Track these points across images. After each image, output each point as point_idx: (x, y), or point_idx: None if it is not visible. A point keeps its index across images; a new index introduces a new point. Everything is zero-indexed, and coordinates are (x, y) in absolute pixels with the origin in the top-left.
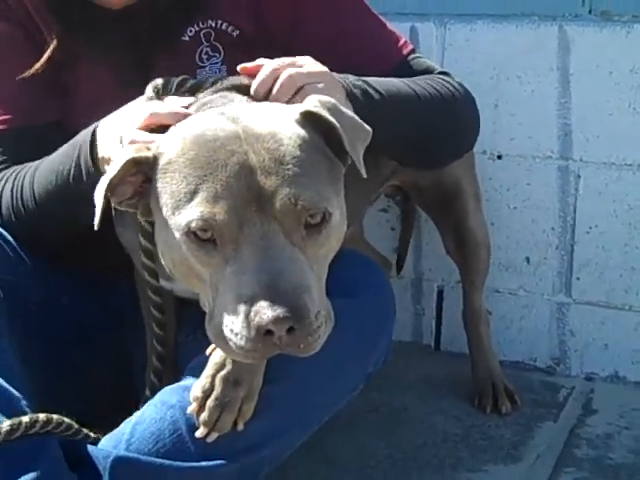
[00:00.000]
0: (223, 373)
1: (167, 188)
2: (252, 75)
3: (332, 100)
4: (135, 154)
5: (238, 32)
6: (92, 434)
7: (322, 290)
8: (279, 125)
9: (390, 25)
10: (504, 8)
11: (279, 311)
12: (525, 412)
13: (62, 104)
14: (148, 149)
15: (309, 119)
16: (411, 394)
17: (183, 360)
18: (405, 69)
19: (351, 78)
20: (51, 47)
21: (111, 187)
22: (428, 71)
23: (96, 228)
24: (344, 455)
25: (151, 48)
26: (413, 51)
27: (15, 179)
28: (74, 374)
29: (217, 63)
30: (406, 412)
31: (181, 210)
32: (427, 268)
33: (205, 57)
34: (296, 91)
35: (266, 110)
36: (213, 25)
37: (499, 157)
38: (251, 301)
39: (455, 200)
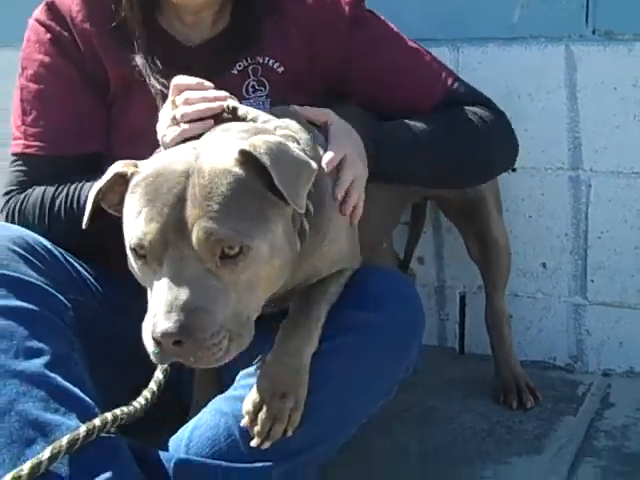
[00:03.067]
0: (271, 387)
1: (128, 204)
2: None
3: (277, 139)
4: (120, 169)
5: (284, 69)
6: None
7: (238, 313)
8: (220, 162)
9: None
10: (513, 31)
11: (168, 326)
12: (547, 407)
13: (104, 136)
14: (135, 166)
15: (249, 158)
16: (440, 395)
17: (228, 369)
18: (451, 98)
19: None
20: (112, 84)
21: (101, 194)
22: (472, 97)
23: (84, 227)
24: (379, 452)
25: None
26: (456, 79)
27: (63, 193)
28: (129, 389)
29: (262, 97)
30: (436, 411)
31: (129, 226)
32: (449, 276)
33: (251, 90)
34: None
35: (219, 146)
36: (261, 61)
37: (514, 170)
38: (155, 314)
39: (479, 209)
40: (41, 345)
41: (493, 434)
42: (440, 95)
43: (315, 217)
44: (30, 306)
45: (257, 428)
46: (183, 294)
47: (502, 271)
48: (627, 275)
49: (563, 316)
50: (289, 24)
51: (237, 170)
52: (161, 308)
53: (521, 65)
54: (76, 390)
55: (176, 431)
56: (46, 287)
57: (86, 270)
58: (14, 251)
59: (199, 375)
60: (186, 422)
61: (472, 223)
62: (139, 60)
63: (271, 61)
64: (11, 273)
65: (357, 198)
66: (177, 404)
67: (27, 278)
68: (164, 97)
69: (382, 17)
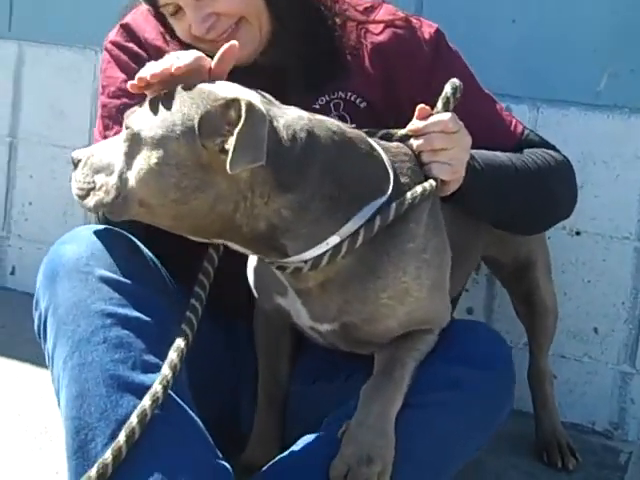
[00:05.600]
0: (357, 453)
1: None
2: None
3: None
4: None
5: (366, 104)
6: None
7: (120, 186)
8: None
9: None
10: (596, 98)
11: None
12: (591, 472)
13: None
14: None
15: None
16: (485, 449)
17: (299, 409)
18: (524, 145)
19: None
20: None
21: None
22: (544, 144)
23: None
24: None
25: None
26: (525, 128)
27: None
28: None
29: None
30: (482, 465)
31: None
32: (497, 329)
33: None
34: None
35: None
36: (343, 96)
37: (578, 233)
38: None
39: (528, 271)
40: (157, 360)
41: None
42: (515, 141)
43: (369, 252)
44: (148, 318)
45: None
46: (98, 149)
47: (548, 333)
48: None
49: (608, 382)
50: (369, 56)
51: (209, 94)
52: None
53: (601, 132)
54: (188, 410)
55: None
56: (161, 300)
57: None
58: (132, 260)
59: (261, 412)
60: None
61: (521, 285)
62: None
63: (353, 96)
64: (129, 282)
65: (445, 162)
66: (236, 433)
67: (144, 289)
68: None
69: (461, 55)
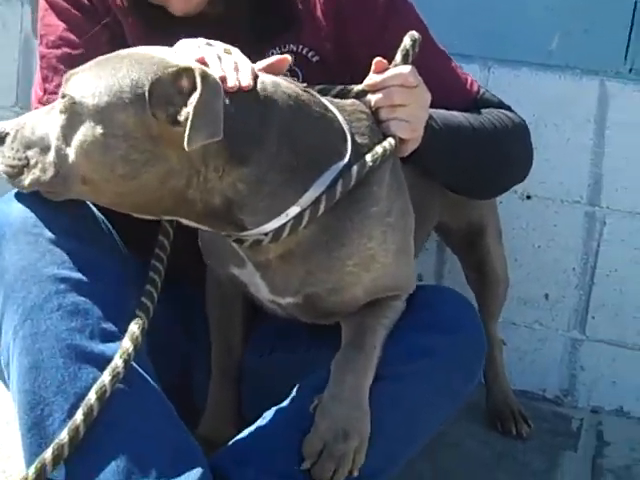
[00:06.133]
0: (333, 428)
1: None
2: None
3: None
4: None
5: (318, 58)
6: None
7: (56, 163)
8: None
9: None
10: (548, 58)
11: None
12: (545, 440)
13: None
14: None
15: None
16: None
17: (257, 380)
18: (477, 106)
19: None
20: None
21: None
22: (497, 106)
23: None
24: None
25: None
26: (480, 87)
27: None
28: None
29: None
30: (440, 435)
31: None
32: None
33: None
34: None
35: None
36: (294, 49)
37: (528, 197)
38: None
39: (480, 237)
40: (115, 329)
41: (501, 465)
42: (469, 99)
43: (333, 219)
44: (103, 284)
45: (320, 472)
46: (29, 120)
47: (498, 300)
48: (629, 316)
49: (559, 349)
50: (320, 7)
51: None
52: None
53: (552, 94)
54: (150, 382)
55: None
56: (115, 264)
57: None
58: (84, 221)
59: (215, 385)
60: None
61: (473, 252)
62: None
63: (305, 49)
64: (81, 245)
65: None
66: (190, 407)
67: (97, 252)
68: None
69: (415, 9)
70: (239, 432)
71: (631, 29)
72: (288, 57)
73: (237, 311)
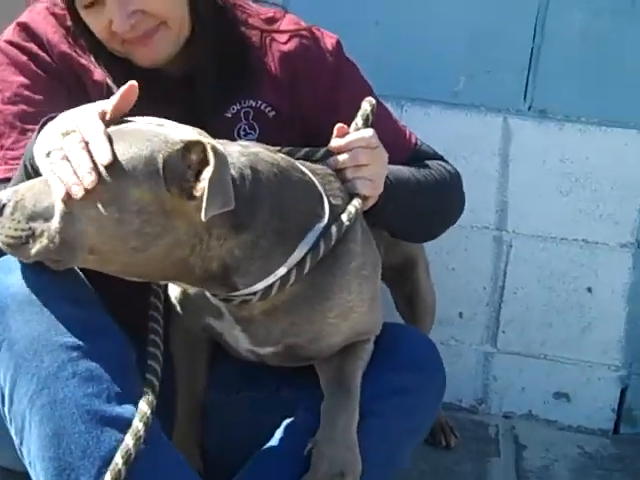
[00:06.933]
0: (330, 469)
1: None
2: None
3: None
4: None
5: (274, 113)
6: None
7: (62, 229)
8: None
9: None
10: (455, 97)
11: None
12: (471, 448)
13: None
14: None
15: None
16: None
17: (224, 419)
18: (416, 157)
19: None
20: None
21: None
22: (432, 157)
23: None
24: None
25: (195, 121)
26: (417, 139)
27: None
28: None
29: (252, 139)
30: None
31: None
32: None
33: (242, 133)
34: (357, 164)
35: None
36: (253, 105)
37: None
38: None
39: (411, 272)
40: (127, 390)
41: (438, 475)
42: (409, 151)
43: (318, 276)
44: (112, 346)
45: None
46: (29, 190)
47: (426, 328)
48: (534, 329)
49: (472, 362)
50: (275, 64)
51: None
52: None
53: (460, 130)
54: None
55: None
56: (113, 325)
57: None
58: (79, 287)
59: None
60: None
61: (404, 284)
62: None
63: (263, 105)
64: (83, 311)
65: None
66: None
67: (98, 317)
68: None
69: (357, 66)
70: (203, 465)
71: (529, 70)
72: (135, 85)
73: (203, 353)
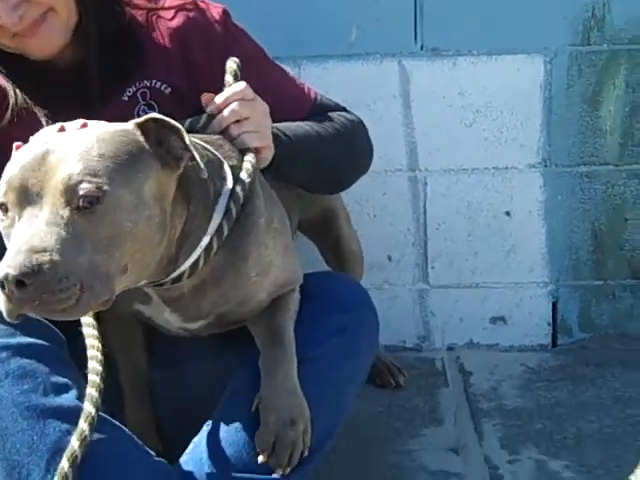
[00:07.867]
0: (280, 419)
1: None
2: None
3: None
4: None
5: (170, 89)
6: None
7: (95, 265)
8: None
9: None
10: (350, 49)
11: (7, 267)
12: (420, 384)
13: None
14: None
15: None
16: None
17: (165, 395)
18: (316, 111)
19: None
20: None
21: None
22: (334, 109)
23: None
24: None
25: (93, 108)
26: (317, 94)
27: None
28: None
29: None
30: None
31: None
32: None
33: (142, 114)
34: (237, 120)
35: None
36: (148, 84)
37: None
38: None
39: (332, 224)
40: (65, 380)
41: (394, 414)
42: (310, 106)
43: (235, 238)
44: (41, 342)
45: (277, 461)
46: (33, 239)
47: (357, 276)
48: (462, 260)
49: (409, 302)
50: (166, 41)
51: (125, 127)
52: (8, 254)
53: (359, 79)
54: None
55: None
56: (45, 320)
57: None
58: None
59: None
60: None
61: (328, 236)
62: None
63: (158, 83)
64: None
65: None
66: None
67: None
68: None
69: (247, 32)
70: (163, 448)
71: (415, 12)
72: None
73: (138, 334)
